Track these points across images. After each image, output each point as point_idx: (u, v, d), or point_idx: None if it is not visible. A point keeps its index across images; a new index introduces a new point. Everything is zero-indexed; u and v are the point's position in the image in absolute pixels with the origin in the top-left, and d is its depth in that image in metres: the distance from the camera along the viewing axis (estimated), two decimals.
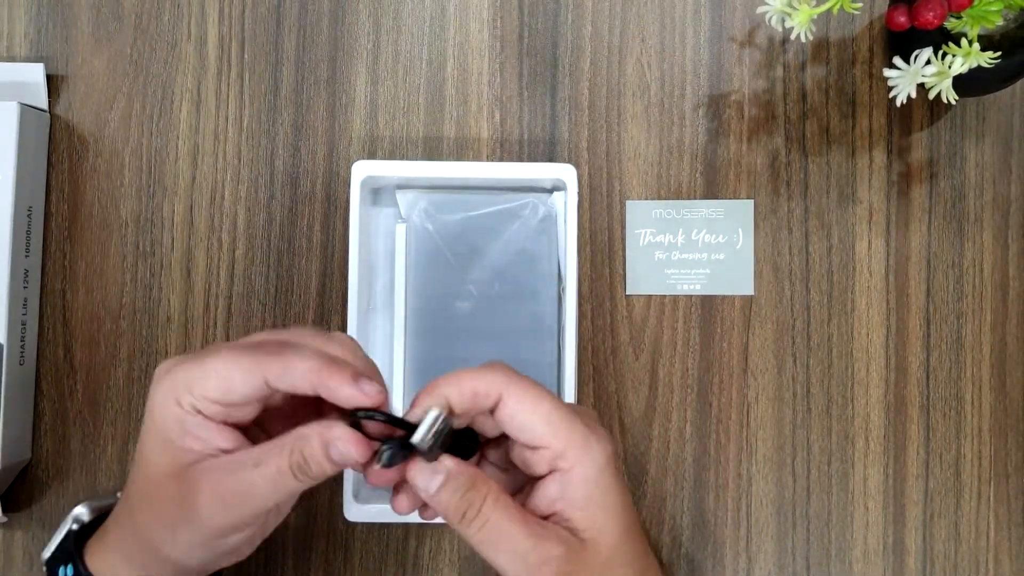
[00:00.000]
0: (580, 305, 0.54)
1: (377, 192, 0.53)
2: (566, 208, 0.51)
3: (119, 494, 0.44)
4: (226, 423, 0.39)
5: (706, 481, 0.54)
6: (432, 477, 0.37)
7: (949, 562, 0.53)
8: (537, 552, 0.37)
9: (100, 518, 0.44)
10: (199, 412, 0.38)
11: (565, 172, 0.50)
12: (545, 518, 0.39)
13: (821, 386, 0.54)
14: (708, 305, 0.54)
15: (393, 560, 0.54)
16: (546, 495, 0.39)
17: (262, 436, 0.40)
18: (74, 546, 0.42)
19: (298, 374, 0.37)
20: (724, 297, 0.54)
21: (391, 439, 0.37)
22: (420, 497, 0.39)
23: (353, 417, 0.37)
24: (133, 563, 0.40)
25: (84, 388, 0.55)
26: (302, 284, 0.55)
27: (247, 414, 0.39)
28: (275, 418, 0.41)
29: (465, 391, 0.38)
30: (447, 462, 0.38)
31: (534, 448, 0.38)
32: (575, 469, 0.38)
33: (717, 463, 0.54)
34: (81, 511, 0.44)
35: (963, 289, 0.54)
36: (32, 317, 0.54)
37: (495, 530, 0.37)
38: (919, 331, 0.53)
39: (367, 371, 0.39)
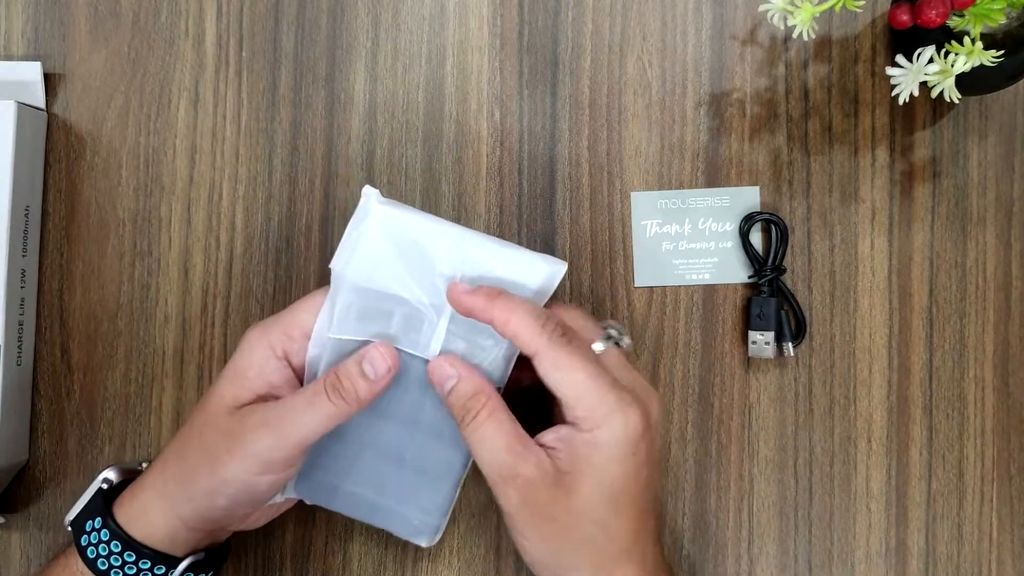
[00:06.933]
0: (581, 304, 0.54)
1: None
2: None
3: (143, 464, 0.48)
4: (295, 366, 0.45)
5: (707, 482, 0.53)
6: (446, 379, 0.43)
7: (952, 564, 0.52)
8: (510, 467, 0.41)
9: (125, 482, 0.47)
10: (284, 356, 0.45)
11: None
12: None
13: (823, 387, 0.53)
14: (710, 304, 0.54)
15: (393, 561, 0.54)
16: (558, 431, 0.42)
17: None
18: (103, 502, 0.45)
19: None
20: (728, 288, 0.54)
21: None
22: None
23: None
24: (164, 500, 0.44)
25: (81, 388, 0.55)
26: (300, 284, 0.55)
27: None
28: None
29: (510, 325, 0.42)
30: (460, 369, 0.43)
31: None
32: (588, 433, 0.41)
33: (719, 464, 0.53)
34: (110, 473, 0.47)
35: (966, 289, 0.53)
36: (29, 317, 0.54)
37: (483, 436, 0.42)
38: (922, 331, 0.53)
39: None
